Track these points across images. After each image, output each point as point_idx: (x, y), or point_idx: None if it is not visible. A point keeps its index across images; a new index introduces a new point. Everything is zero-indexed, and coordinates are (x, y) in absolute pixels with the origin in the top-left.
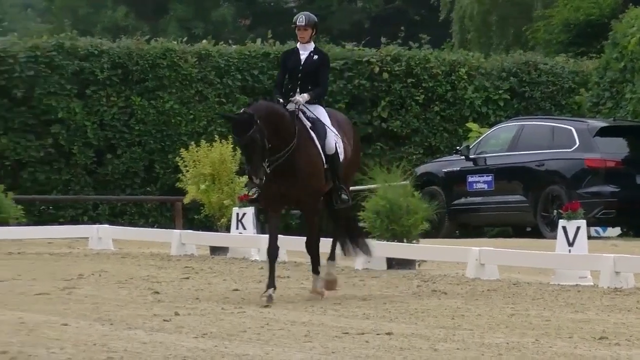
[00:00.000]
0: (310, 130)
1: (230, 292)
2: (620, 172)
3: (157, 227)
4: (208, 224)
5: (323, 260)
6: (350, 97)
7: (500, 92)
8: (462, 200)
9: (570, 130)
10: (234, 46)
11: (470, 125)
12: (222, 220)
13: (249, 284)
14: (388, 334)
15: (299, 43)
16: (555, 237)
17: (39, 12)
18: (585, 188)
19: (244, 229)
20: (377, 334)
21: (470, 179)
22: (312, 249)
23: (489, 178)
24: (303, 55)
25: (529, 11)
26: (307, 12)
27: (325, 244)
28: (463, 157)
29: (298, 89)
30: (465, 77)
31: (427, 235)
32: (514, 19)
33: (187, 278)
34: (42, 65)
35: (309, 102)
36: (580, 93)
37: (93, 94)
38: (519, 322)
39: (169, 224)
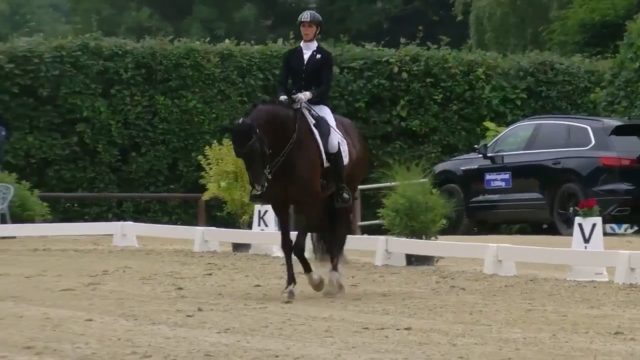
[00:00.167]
0: (312, 127)
1: (252, 288)
2: (635, 170)
3: (180, 224)
4: (230, 221)
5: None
6: (369, 97)
7: (517, 91)
8: (480, 197)
9: (586, 129)
10: (255, 46)
11: (487, 124)
12: (244, 217)
13: (270, 280)
14: (407, 329)
15: (302, 42)
16: (571, 234)
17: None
18: (601, 186)
19: (266, 225)
20: (397, 329)
21: (487, 176)
22: (300, 251)
23: (507, 176)
24: (306, 55)
25: (546, 12)
26: (313, 10)
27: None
28: (481, 155)
29: (300, 88)
30: (483, 76)
31: (445, 232)
32: (531, 19)
33: (210, 274)
34: (67, 65)
35: (311, 101)
36: (595, 92)
37: (117, 93)
38: (536, 318)
39: (192, 221)
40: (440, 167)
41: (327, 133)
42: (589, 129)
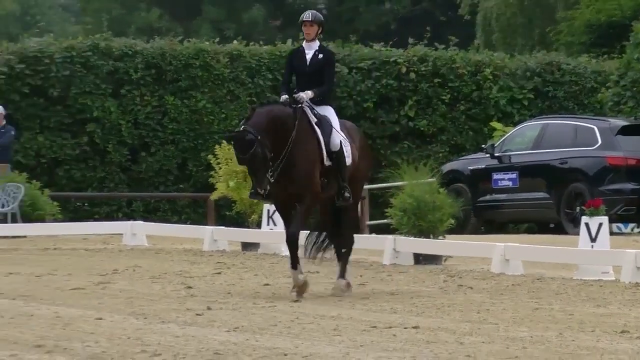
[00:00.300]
0: (314, 124)
1: (261, 287)
2: None
3: (189, 224)
4: (239, 221)
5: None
6: (378, 97)
7: (524, 91)
8: (487, 197)
9: (593, 129)
10: (264, 47)
11: (494, 124)
12: (253, 216)
13: (279, 279)
14: (415, 327)
15: (304, 42)
16: (578, 233)
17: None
18: (607, 185)
19: (275, 225)
20: (405, 328)
21: (495, 176)
22: (293, 243)
23: (514, 175)
24: (308, 55)
25: (553, 13)
26: (314, 10)
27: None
28: (488, 155)
29: (303, 88)
30: (490, 77)
31: (453, 231)
32: (538, 20)
33: (219, 273)
34: (77, 65)
35: (314, 100)
36: (602, 92)
37: (127, 94)
38: (542, 316)
39: (202, 220)
40: (448, 166)
41: (329, 132)
42: (596, 129)
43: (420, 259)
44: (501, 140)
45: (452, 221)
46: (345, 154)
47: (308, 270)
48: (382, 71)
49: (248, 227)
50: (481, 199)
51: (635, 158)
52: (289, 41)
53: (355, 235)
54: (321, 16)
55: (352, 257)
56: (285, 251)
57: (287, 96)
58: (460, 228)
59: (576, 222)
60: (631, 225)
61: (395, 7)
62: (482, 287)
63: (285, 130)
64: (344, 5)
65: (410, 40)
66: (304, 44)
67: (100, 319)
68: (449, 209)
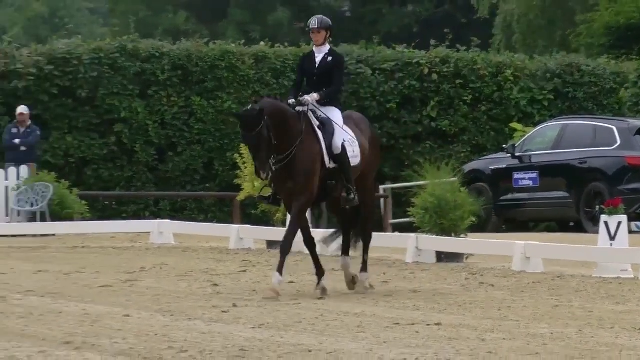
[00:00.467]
0: (317, 129)
1: (285, 285)
2: None
3: (216, 222)
4: (265, 219)
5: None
6: (400, 97)
7: (544, 92)
8: (508, 196)
9: (612, 129)
10: (289, 48)
11: (515, 125)
12: (278, 215)
13: (303, 277)
14: (437, 324)
15: (314, 46)
16: (597, 232)
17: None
18: (626, 185)
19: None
20: (427, 325)
21: (516, 176)
22: (287, 246)
23: (534, 175)
24: (318, 58)
25: (573, 15)
26: (321, 15)
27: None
28: (509, 155)
29: (312, 91)
30: (511, 78)
31: (474, 230)
32: (560, 22)
33: (245, 271)
34: (105, 66)
35: (320, 102)
36: (621, 93)
37: (154, 94)
38: (562, 313)
39: (227, 219)
40: (469, 166)
41: (331, 134)
42: (615, 129)
43: (442, 257)
44: (522, 140)
45: (474, 219)
46: (351, 154)
47: (332, 268)
48: (405, 72)
49: (273, 225)
50: (502, 198)
51: None
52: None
53: (378, 234)
54: (328, 20)
55: (375, 255)
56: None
57: (293, 100)
58: (481, 227)
59: (595, 221)
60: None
61: (418, 9)
62: (503, 285)
63: (289, 129)
64: (367, 7)
65: (432, 42)
66: (314, 48)
67: (128, 316)
68: (469, 208)
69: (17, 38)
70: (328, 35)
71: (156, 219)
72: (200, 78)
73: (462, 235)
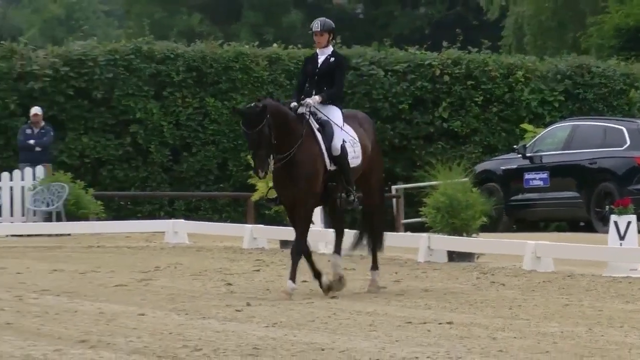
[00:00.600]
0: (317, 132)
1: (298, 284)
2: None
3: (230, 222)
4: (278, 219)
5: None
6: (412, 99)
7: (555, 93)
8: (519, 196)
9: (622, 130)
10: (302, 50)
11: (525, 126)
12: None
13: None
14: (449, 323)
15: (317, 48)
16: (607, 232)
17: (117, 17)
18: (636, 185)
19: (312, 223)
20: (439, 324)
21: (526, 176)
22: (296, 254)
23: (545, 175)
24: (321, 59)
25: (584, 17)
26: (324, 18)
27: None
28: (520, 155)
29: (314, 92)
30: (522, 79)
31: (485, 229)
32: (571, 23)
33: (258, 270)
34: (120, 68)
35: (322, 103)
36: (630, 94)
37: (169, 95)
38: (573, 312)
39: (241, 219)
40: (480, 166)
41: (330, 137)
42: (624, 130)
43: (454, 256)
44: (532, 141)
45: (485, 219)
46: (349, 155)
47: (345, 267)
48: (417, 74)
49: (286, 225)
50: (513, 198)
51: None
52: None
53: (390, 233)
54: (331, 23)
55: (387, 254)
56: (322, 248)
57: (295, 104)
58: (492, 226)
59: (605, 221)
60: None
61: (430, 11)
62: (514, 284)
63: (289, 131)
64: (379, 9)
65: (444, 44)
66: (317, 50)
67: (143, 314)
68: (480, 207)
69: (33, 40)
70: (331, 38)
71: (171, 218)
72: (214, 79)
73: (473, 235)
